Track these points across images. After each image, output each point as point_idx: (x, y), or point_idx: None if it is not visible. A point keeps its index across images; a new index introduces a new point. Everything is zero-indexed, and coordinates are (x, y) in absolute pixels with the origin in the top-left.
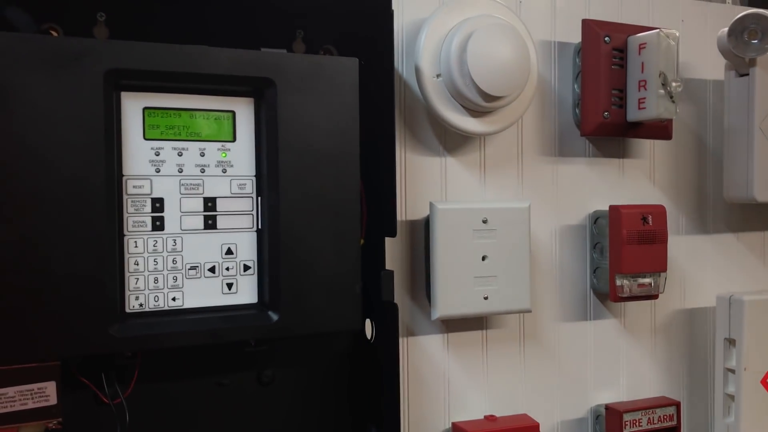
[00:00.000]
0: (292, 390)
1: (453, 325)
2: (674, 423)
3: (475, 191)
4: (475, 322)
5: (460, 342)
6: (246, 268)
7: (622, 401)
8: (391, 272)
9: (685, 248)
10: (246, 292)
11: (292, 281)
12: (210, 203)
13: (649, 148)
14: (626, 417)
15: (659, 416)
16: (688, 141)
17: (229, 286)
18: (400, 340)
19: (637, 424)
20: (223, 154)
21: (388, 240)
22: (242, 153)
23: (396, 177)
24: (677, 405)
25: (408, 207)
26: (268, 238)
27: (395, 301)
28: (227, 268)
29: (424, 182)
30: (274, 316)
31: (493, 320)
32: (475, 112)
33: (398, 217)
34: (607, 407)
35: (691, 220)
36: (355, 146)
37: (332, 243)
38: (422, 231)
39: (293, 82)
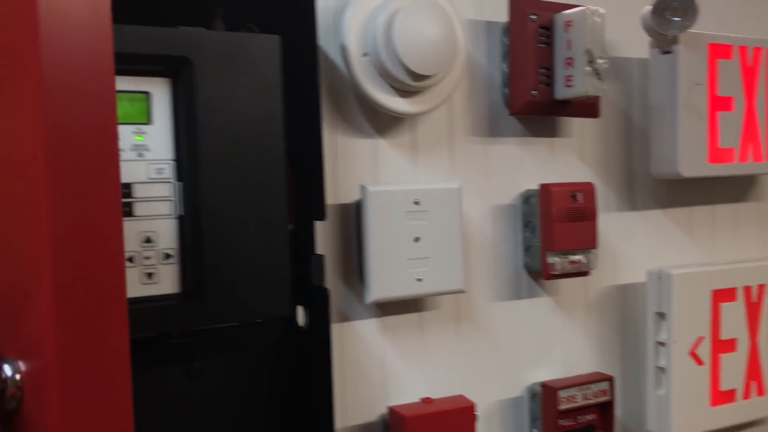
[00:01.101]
0: (223, 382)
1: (388, 308)
2: (608, 397)
3: (408, 173)
4: (410, 305)
5: (395, 325)
6: (167, 256)
7: (557, 378)
8: (322, 256)
9: (615, 225)
10: (168, 282)
11: (217, 269)
12: (125, 189)
13: (577, 126)
14: (561, 393)
15: (594, 391)
16: (616, 119)
17: (149, 275)
18: (334, 326)
19: (572, 400)
20: (139, 138)
21: (319, 224)
22: (160, 136)
23: (324, 160)
24: (611, 380)
25: (339, 190)
26: (190, 225)
27: (327, 286)
28: (146, 258)
29: (356, 165)
30: (199, 306)
31: (428, 302)
32: (404, 91)
33: (329, 201)
34: (543, 385)
35: (620, 196)
36: (279, 128)
37: (258, 228)
38: (354, 214)
39: (212, 61)
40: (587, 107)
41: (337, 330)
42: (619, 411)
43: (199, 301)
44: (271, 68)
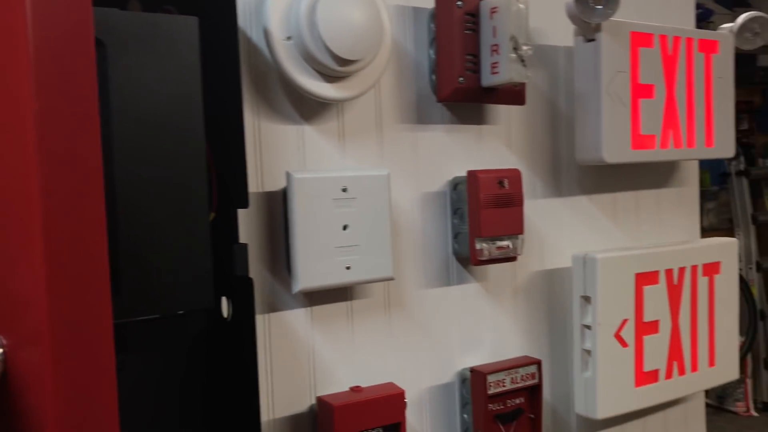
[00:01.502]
0: (146, 375)
1: (317, 297)
2: (536, 381)
3: (335, 160)
4: (340, 294)
5: (324, 315)
6: None
7: (487, 363)
8: (245, 245)
9: (542, 211)
10: None
11: (134, 260)
12: None
13: (505, 114)
14: (490, 378)
15: (522, 375)
16: (542, 106)
17: None
18: (261, 316)
19: (501, 384)
20: None
21: (244, 213)
22: None
23: (246, 145)
24: (538, 363)
25: (265, 178)
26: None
27: (252, 276)
28: None
29: (281, 152)
30: (115, 299)
31: (357, 290)
32: (330, 77)
33: (255, 189)
34: (472, 370)
35: (546, 183)
36: (199, 112)
37: (177, 217)
38: (281, 203)
39: (126, 44)
40: (513, 94)
41: (264, 321)
42: (547, 394)
43: (115, 295)
44: (189, 51)
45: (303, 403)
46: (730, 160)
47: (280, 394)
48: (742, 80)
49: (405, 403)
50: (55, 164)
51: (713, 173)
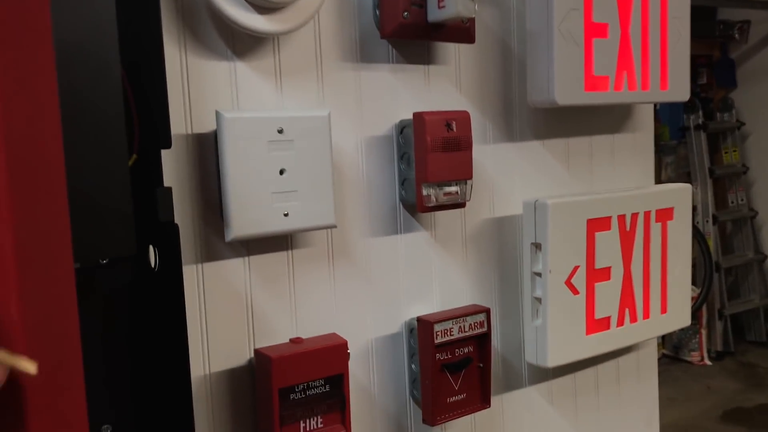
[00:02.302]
0: None
1: (254, 246)
2: (485, 329)
3: (272, 101)
4: (279, 242)
5: (263, 264)
6: None
7: (434, 312)
8: (169, 189)
9: (492, 156)
10: None
11: None
12: None
13: (453, 53)
14: (437, 327)
15: (470, 324)
16: (493, 46)
17: None
18: (194, 267)
19: (448, 333)
20: None
21: (173, 157)
22: None
23: (170, 83)
24: (487, 311)
25: (194, 119)
26: None
27: (184, 223)
28: None
29: (212, 91)
30: None
31: (299, 239)
32: (263, 8)
33: (183, 131)
34: (419, 319)
35: (497, 127)
36: (114, 46)
37: (94, 159)
38: (212, 145)
39: None
40: (462, 32)
41: (196, 271)
42: (498, 343)
43: None
44: None
45: (241, 356)
46: (688, 114)
47: (216, 347)
48: (701, 33)
49: (348, 354)
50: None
51: (672, 128)
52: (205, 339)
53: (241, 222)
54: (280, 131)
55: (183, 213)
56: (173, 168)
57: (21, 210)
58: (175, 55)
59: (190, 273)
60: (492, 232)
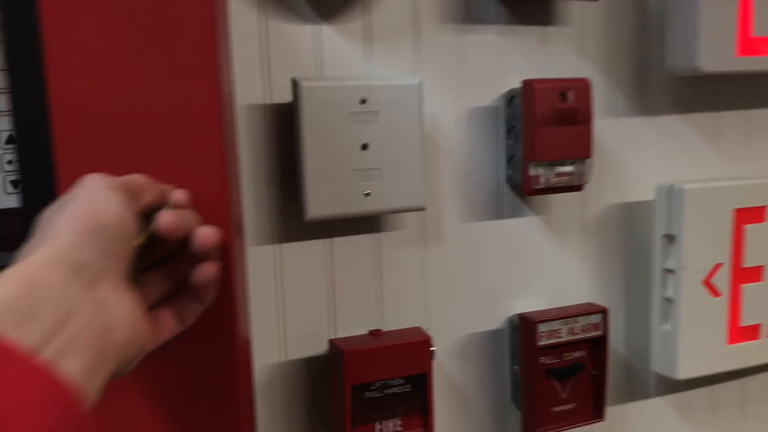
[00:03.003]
0: None
1: (337, 228)
2: (600, 332)
3: (360, 68)
4: (364, 224)
5: (345, 247)
6: None
7: (541, 310)
8: None
9: (622, 132)
10: None
11: None
12: None
13: (577, 12)
14: (542, 327)
15: (582, 325)
16: (625, 2)
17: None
18: (272, 247)
19: (555, 335)
20: None
21: (250, 130)
22: None
23: (251, 49)
24: (604, 312)
25: (274, 88)
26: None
27: (262, 201)
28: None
29: (294, 57)
30: None
31: (387, 221)
32: None
33: (262, 101)
34: (521, 317)
35: (628, 98)
36: None
37: None
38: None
39: None
40: None
41: (273, 252)
42: (621, 348)
43: None
44: None
45: (319, 345)
46: None
47: (293, 333)
48: None
49: (432, 351)
50: None
51: None
52: (282, 324)
53: (318, 202)
54: (363, 101)
55: (258, 190)
56: (249, 141)
57: None
58: (253, 19)
59: (265, 254)
60: (617, 220)
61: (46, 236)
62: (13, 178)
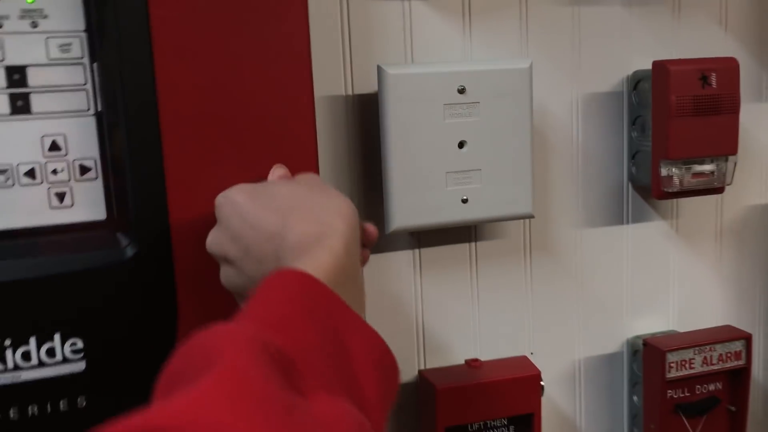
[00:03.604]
0: None
1: (427, 237)
2: (742, 362)
3: (457, 51)
4: (459, 233)
5: (437, 259)
6: (84, 170)
7: (669, 332)
8: None
9: None
10: (87, 206)
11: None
12: (17, 75)
13: None
14: (671, 357)
15: (720, 354)
16: None
17: (60, 197)
18: None
19: (687, 365)
20: (30, 0)
21: (330, 124)
22: None
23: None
24: (747, 338)
25: (356, 76)
26: (113, 125)
27: None
28: (54, 171)
29: (379, 39)
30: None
31: (485, 229)
32: None
33: (343, 91)
34: (645, 343)
35: None
36: None
37: None
38: (376, 109)
39: None
40: None
41: None
42: (762, 379)
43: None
44: None
45: (407, 371)
46: None
47: None
48: None
49: (541, 387)
50: None
51: None
52: None
53: (405, 210)
54: (461, 91)
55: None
56: (329, 137)
57: None
58: None
59: None
60: (761, 225)
61: (323, 230)
62: (58, 190)
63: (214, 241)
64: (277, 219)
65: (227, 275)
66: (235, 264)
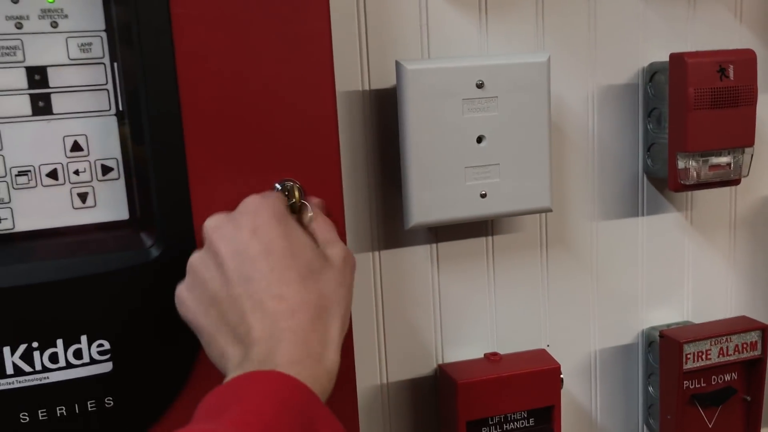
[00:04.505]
0: None
1: (444, 231)
2: (758, 353)
3: (473, 45)
4: (475, 227)
5: (455, 253)
6: (106, 170)
7: (684, 323)
8: None
9: None
10: (110, 206)
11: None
12: (37, 75)
13: None
14: (688, 348)
15: (736, 345)
16: None
17: (83, 197)
18: (371, 254)
19: (703, 356)
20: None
21: (347, 121)
22: None
23: (341, 26)
24: (763, 329)
25: (373, 71)
26: (134, 124)
27: (359, 202)
28: (76, 172)
29: (396, 34)
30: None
31: (502, 223)
32: None
33: (360, 86)
34: (662, 335)
35: None
36: None
37: None
38: (394, 104)
39: None
40: None
41: (372, 259)
42: None
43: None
44: None
45: (426, 365)
46: None
47: (395, 353)
48: None
49: (561, 380)
50: None
51: None
52: (383, 343)
53: (424, 205)
54: (480, 85)
55: (357, 188)
56: (347, 133)
57: None
58: None
59: (365, 261)
60: None
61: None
62: (81, 191)
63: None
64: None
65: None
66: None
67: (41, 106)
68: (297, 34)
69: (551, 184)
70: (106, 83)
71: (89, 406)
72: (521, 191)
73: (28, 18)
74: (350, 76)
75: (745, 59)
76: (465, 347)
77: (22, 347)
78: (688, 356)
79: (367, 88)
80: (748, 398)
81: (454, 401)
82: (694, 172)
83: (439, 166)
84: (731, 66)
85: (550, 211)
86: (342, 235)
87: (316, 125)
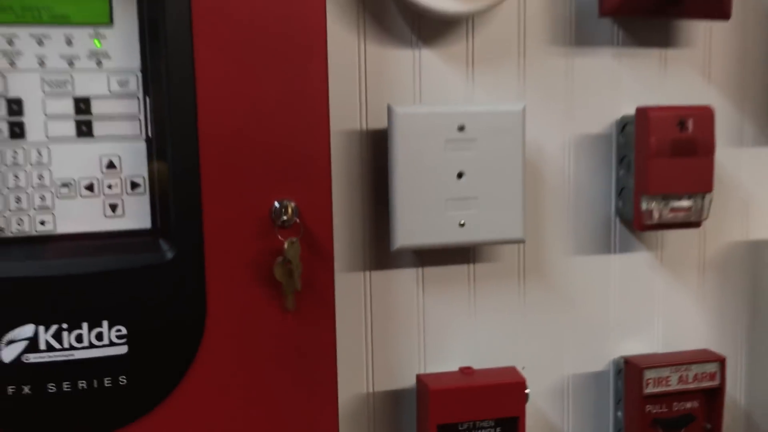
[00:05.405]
0: None
1: (429, 257)
2: (716, 383)
3: (461, 94)
4: (459, 254)
5: (438, 278)
6: (134, 185)
7: (649, 354)
8: None
9: (749, 164)
10: (135, 216)
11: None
12: (83, 104)
13: (702, 32)
14: (648, 374)
15: (695, 374)
16: (757, 22)
17: (113, 207)
18: (362, 274)
19: (663, 382)
20: (97, 42)
21: (345, 155)
22: (122, 40)
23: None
24: (722, 361)
25: (370, 113)
26: (159, 149)
27: (348, 225)
28: (109, 186)
29: (392, 82)
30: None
31: (483, 252)
32: None
33: (358, 126)
34: (626, 361)
35: (759, 127)
36: None
37: None
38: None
39: None
40: (713, 5)
41: (364, 279)
42: (742, 401)
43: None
44: None
45: (408, 378)
46: None
47: (381, 365)
48: None
49: (526, 394)
50: None
51: None
52: (370, 354)
53: (408, 230)
54: (461, 129)
55: (352, 215)
56: (345, 165)
57: None
58: (352, 43)
59: (356, 281)
60: (742, 260)
61: None
62: (112, 202)
63: None
64: None
65: None
66: None
67: (84, 130)
68: (299, 82)
69: (524, 217)
70: (139, 113)
71: (105, 382)
72: (496, 223)
73: (78, 57)
74: (350, 117)
75: (704, 114)
76: (444, 363)
77: (54, 327)
78: (649, 381)
79: (364, 127)
80: (709, 426)
81: (427, 406)
82: (656, 213)
83: (423, 197)
84: (690, 119)
85: (523, 241)
86: (329, 254)
87: (312, 156)
